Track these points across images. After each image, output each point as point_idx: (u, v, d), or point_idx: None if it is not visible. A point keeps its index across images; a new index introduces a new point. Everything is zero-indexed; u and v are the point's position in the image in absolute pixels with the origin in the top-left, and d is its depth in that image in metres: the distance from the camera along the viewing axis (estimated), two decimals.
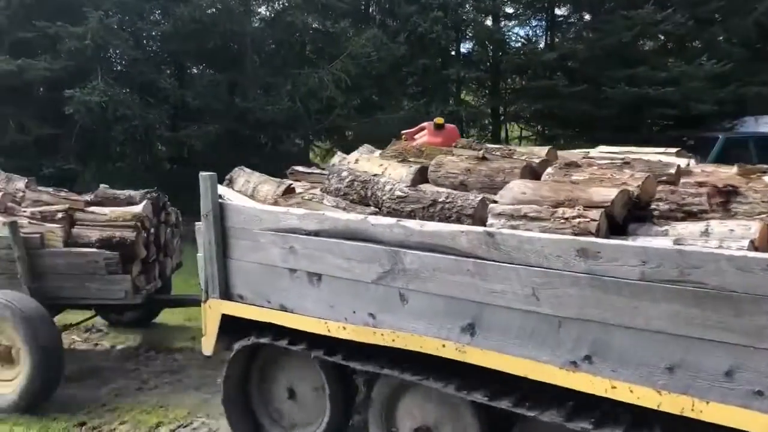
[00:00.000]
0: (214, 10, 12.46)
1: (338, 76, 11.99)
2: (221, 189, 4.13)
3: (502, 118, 16.25)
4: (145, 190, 5.46)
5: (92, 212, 4.97)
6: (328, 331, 3.43)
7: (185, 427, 4.36)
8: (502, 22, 15.83)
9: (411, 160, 4.23)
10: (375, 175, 3.86)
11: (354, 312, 3.37)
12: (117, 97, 10.86)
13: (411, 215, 3.37)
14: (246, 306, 3.78)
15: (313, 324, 3.49)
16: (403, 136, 5.75)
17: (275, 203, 3.99)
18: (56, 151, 11.60)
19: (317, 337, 3.51)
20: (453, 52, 15.68)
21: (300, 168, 5.22)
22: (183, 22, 11.77)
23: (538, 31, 16.64)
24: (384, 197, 3.56)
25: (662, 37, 14.97)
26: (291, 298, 3.59)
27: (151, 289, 5.09)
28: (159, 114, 11.63)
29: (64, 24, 10.98)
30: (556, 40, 15.63)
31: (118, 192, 5.44)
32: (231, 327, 3.86)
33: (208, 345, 3.93)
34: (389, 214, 3.45)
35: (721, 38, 14.17)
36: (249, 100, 12.22)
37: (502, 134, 16.48)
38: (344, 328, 3.38)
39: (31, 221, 4.71)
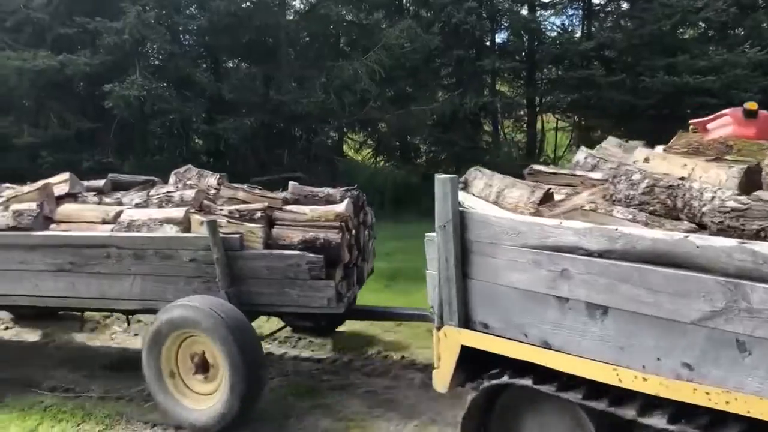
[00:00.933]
0: (249, 3, 12.58)
1: (372, 68, 11.99)
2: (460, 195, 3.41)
3: (538, 108, 16.05)
4: (345, 187, 4.90)
5: (292, 211, 4.42)
6: (620, 380, 2.70)
7: None
8: (538, 12, 15.63)
9: (728, 159, 3.36)
10: (681, 179, 3.05)
11: (659, 359, 2.62)
12: (154, 91, 11.03)
13: (759, 235, 2.57)
14: (493, 338, 3.14)
15: (593, 369, 2.78)
16: (692, 126, 4.64)
17: (536, 213, 3.29)
18: (96, 145, 11.85)
19: (582, 381, 2.85)
20: (488, 43, 15.53)
21: (540, 167, 4.31)
22: (219, 16, 11.90)
23: (574, 20, 16.38)
24: (705, 209, 2.77)
25: (703, 25, 14.62)
26: (559, 333, 2.90)
27: (351, 296, 4.56)
28: (195, 107, 11.79)
29: (103, 19, 11.19)
30: (593, 29, 15.38)
31: (316, 189, 4.90)
32: (465, 358, 3.23)
33: (442, 380, 3.31)
34: (719, 232, 2.68)
35: (765, 24, 13.77)
36: (283, 93, 12.30)
37: (538, 125, 16.30)
38: (644, 378, 2.64)
39: (230, 220, 4.25)
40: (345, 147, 15.63)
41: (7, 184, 5.25)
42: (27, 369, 5.10)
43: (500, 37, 15.86)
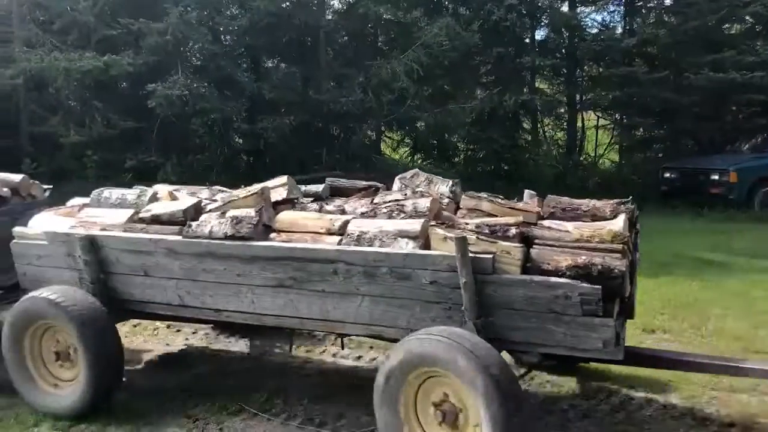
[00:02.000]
0: (288, 3, 12.68)
1: (410, 67, 11.98)
2: None
3: (578, 106, 15.86)
4: (617, 200, 3.96)
5: (554, 228, 3.64)
6: None
7: None
8: (579, 8, 15.43)
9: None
10: None
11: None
12: (196, 91, 11.20)
13: None
14: None
15: None
16: None
17: None
18: (139, 144, 12.08)
19: None
20: (527, 40, 15.40)
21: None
22: (259, 16, 12.03)
23: (615, 17, 16.16)
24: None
25: (750, 19, 14.27)
26: None
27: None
28: (236, 107, 11.94)
29: (146, 20, 11.41)
30: (635, 25, 15.12)
31: (576, 201, 4.05)
32: None
33: None
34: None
35: None
36: (322, 93, 12.37)
37: (578, 123, 16.11)
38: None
39: (480, 237, 3.50)
40: (382, 146, 15.66)
41: (219, 187, 4.79)
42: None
43: (540, 34, 15.73)
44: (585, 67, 16.00)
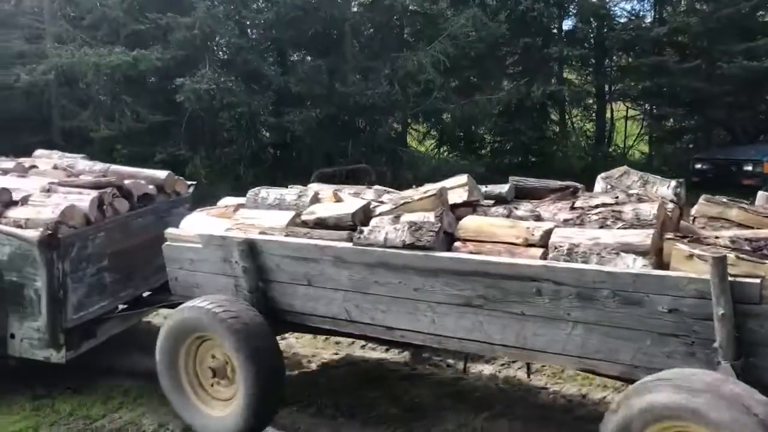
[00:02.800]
0: None
1: (437, 58, 11.91)
2: None
3: (607, 97, 15.64)
4: None
5: None
6: None
7: None
8: None
9: None
10: None
11: None
12: (224, 85, 11.26)
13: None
14: None
15: None
16: None
17: None
18: (168, 138, 12.19)
19: None
20: (555, 30, 15.20)
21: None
22: (285, 9, 12.05)
23: (645, 5, 15.83)
24: None
25: None
26: None
27: None
28: (263, 100, 11.97)
29: (174, 15, 11.49)
30: (665, 14, 14.84)
31: None
32: None
33: None
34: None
35: None
36: (348, 85, 12.36)
37: (607, 114, 15.89)
38: None
39: (741, 256, 2.76)
40: (408, 138, 15.61)
41: (382, 187, 4.43)
42: None
43: (568, 24, 15.51)
44: (614, 57, 15.75)
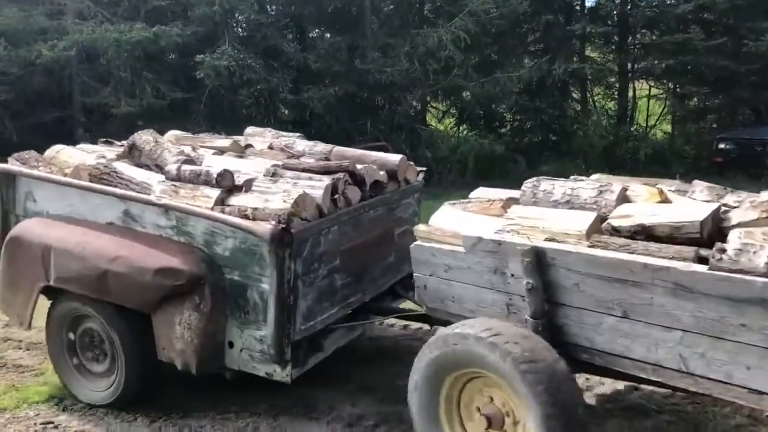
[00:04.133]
0: None
1: (457, 35, 11.79)
2: None
3: (630, 75, 15.40)
4: None
5: None
6: None
7: None
8: None
9: None
10: None
11: None
12: (243, 62, 11.25)
13: None
14: None
15: None
16: None
17: None
18: (188, 115, 12.23)
19: None
20: (578, 6, 14.99)
21: None
22: None
23: None
24: None
25: None
26: None
27: None
28: (282, 77, 11.96)
29: None
30: None
31: None
32: None
33: None
34: None
35: None
36: (368, 62, 12.29)
37: (630, 93, 15.66)
38: None
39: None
40: (428, 116, 15.53)
41: (697, 182, 3.25)
42: None
43: (591, 1, 15.26)
44: (637, 35, 15.48)
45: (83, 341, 3.97)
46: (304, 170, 3.90)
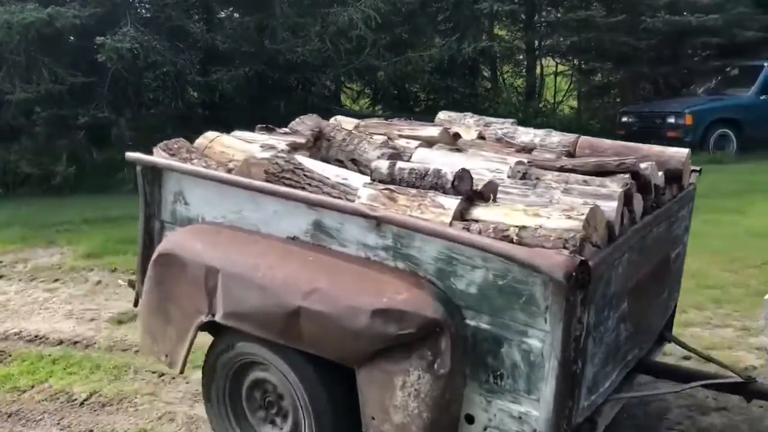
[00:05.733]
0: None
1: (367, 14, 11.74)
2: None
3: (537, 52, 15.82)
4: None
5: None
6: None
7: None
8: None
9: None
10: None
11: None
12: (147, 44, 10.82)
13: None
14: None
15: None
16: None
17: None
18: (91, 100, 11.68)
19: None
20: None
21: None
22: None
23: None
24: None
25: None
26: None
27: None
28: (189, 59, 11.59)
29: None
30: None
31: None
32: None
33: None
34: None
35: None
36: (278, 42, 12.07)
37: (537, 70, 16.09)
38: None
39: None
40: (343, 97, 15.46)
41: None
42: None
43: None
44: (543, 13, 15.90)
45: (254, 396, 3.00)
46: (563, 169, 2.81)
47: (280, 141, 3.33)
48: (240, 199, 2.88)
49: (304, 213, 2.69)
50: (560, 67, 16.76)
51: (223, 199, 2.94)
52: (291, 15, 12.75)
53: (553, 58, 16.40)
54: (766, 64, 12.03)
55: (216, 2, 13.42)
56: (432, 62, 13.21)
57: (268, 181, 2.81)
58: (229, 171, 3.02)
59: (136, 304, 3.36)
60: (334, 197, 2.69)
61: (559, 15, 15.26)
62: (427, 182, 2.58)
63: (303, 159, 3.02)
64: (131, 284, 3.45)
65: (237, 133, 3.54)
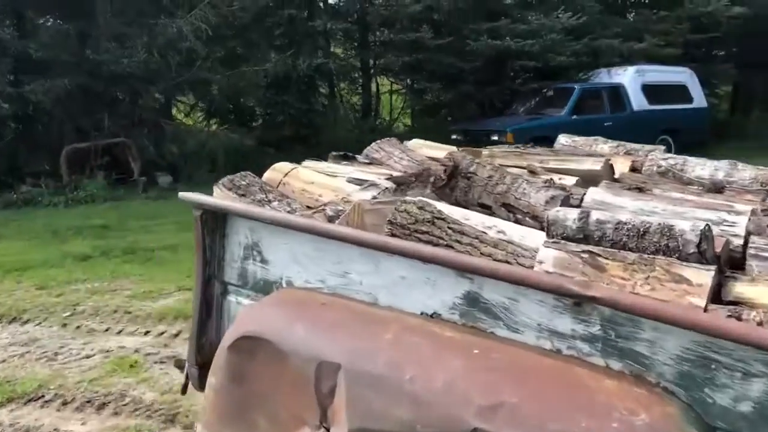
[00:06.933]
0: None
1: (198, 26, 11.40)
2: None
3: (372, 71, 16.19)
4: None
5: None
6: None
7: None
8: None
9: None
10: None
11: None
12: None
13: None
14: None
15: None
16: None
17: None
18: None
19: None
20: (321, 3, 15.37)
21: None
22: None
23: None
24: None
25: None
26: None
27: None
28: None
29: None
30: None
31: None
32: None
33: None
34: None
35: None
36: (101, 53, 11.38)
37: (373, 88, 16.46)
38: None
39: None
40: (174, 110, 14.88)
41: None
42: None
43: None
44: (377, 32, 16.33)
45: None
46: None
47: (372, 174, 2.58)
48: (346, 257, 2.05)
49: (451, 281, 1.86)
50: (394, 86, 17.27)
51: (322, 256, 2.11)
52: (115, 24, 12.10)
53: (387, 77, 16.87)
54: (576, 86, 13.14)
55: (30, 7, 12.42)
56: (267, 77, 13.09)
57: (393, 234, 2.08)
58: (330, 219, 2.24)
59: (184, 392, 2.62)
60: (499, 260, 1.92)
61: (391, 35, 15.73)
62: (648, 242, 1.74)
63: (441, 205, 2.20)
64: (179, 365, 2.62)
65: (308, 162, 2.85)
